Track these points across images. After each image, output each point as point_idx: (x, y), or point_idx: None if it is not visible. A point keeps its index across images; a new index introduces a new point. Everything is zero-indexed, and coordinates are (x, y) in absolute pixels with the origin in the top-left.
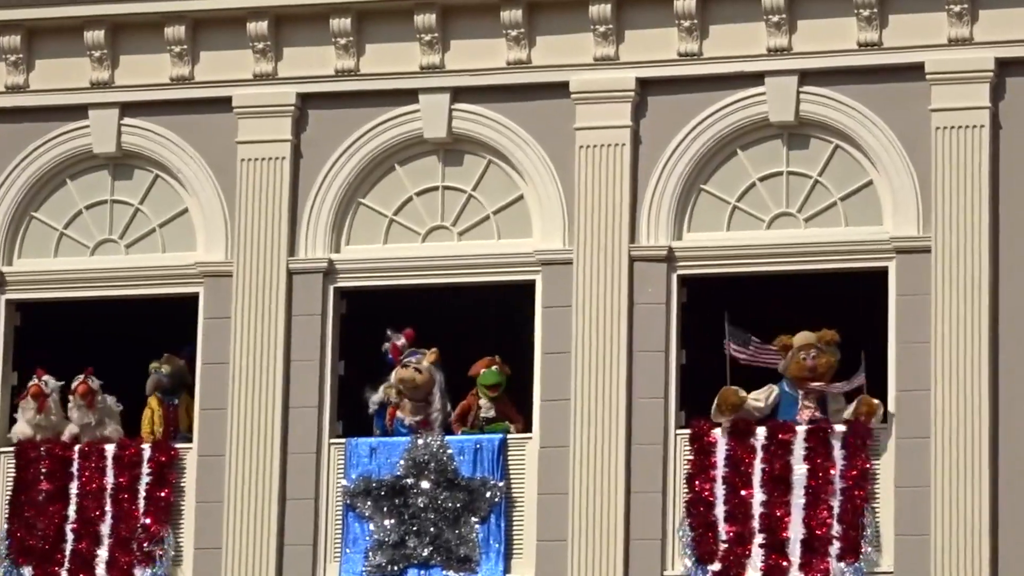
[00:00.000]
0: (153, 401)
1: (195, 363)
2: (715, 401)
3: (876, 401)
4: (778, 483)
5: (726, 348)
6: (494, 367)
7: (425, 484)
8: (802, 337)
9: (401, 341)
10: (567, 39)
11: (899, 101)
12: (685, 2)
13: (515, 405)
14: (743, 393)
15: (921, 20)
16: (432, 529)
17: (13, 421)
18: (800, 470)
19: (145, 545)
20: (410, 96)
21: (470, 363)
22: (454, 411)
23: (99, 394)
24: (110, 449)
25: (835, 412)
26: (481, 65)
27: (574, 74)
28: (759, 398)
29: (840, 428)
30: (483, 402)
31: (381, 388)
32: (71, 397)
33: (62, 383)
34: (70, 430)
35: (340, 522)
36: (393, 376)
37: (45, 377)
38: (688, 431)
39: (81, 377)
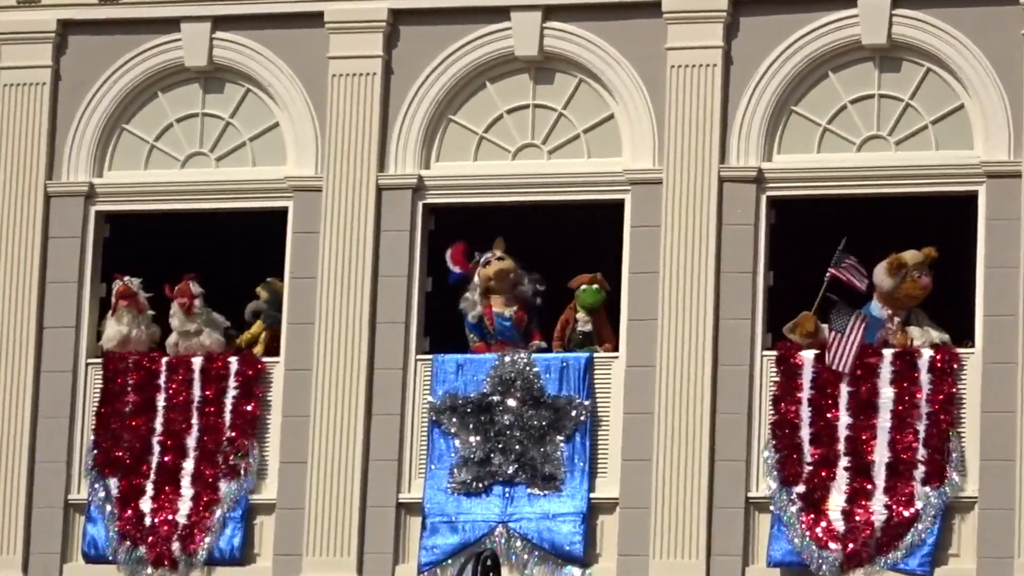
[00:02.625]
0: (258, 326)
1: None
2: (794, 321)
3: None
4: (864, 406)
5: (833, 274)
6: (595, 285)
7: (511, 402)
8: (913, 255)
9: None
10: None
11: (991, 25)
12: None
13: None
14: (821, 324)
15: None
16: (517, 447)
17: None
18: (887, 394)
19: (231, 458)
20: (502, 13)
21: (557, 280)
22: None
23: (199, 298)
24: (197, 362)
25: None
26: None
27: None
28: None
29: (928, 352)
30: (580, 315)
31: (473, 297)
32: (172, 305)
33: (150, 293)
34: (171, 338)
35: (425, 438)
36: (478, 278)
37: (126, 278)
38: (775, 353)
39: (185, 284)
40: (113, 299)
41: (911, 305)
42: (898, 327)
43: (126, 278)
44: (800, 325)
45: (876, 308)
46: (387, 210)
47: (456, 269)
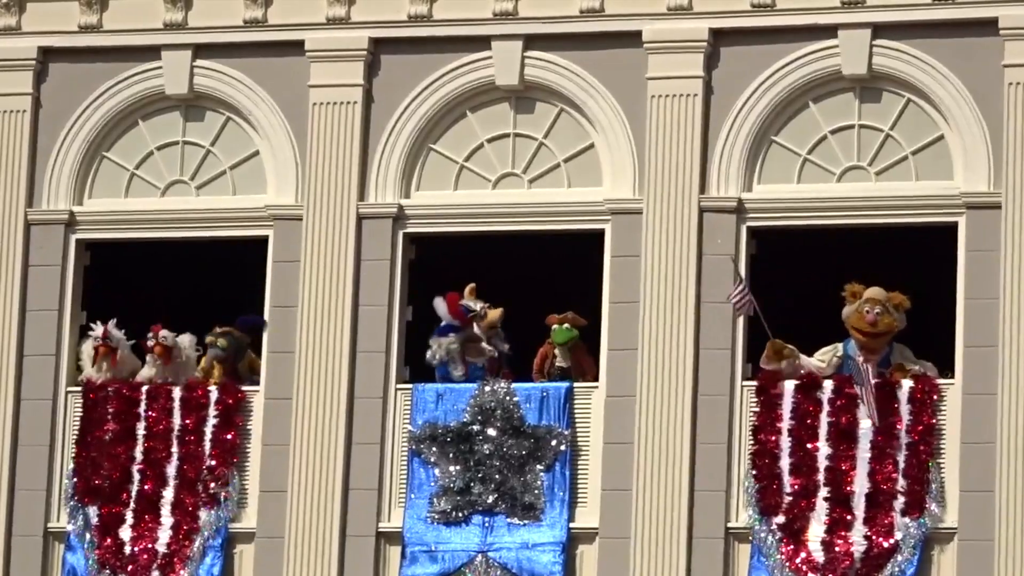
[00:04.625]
0: (216, 369)
1: (255, 332)
2: (764, 353)
3: (910, 367)
4: (844, 437)
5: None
6: (565, 325)
7: (491, 431)
8: (873, 291)
9: (463, 300)
10: None
11: (972, 56)
12: None
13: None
14: (787, 349)
15: None
16: (497, 476)
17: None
18: (866, 424)
19: (211, 487)
20: (482, 43)
21: (537, 311)
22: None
23: (175, 348)
24: (177, 391)
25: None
26: (554, 13)
27: (647, 23)
28: (823, 358)
29: (907, 383)
30: (558, 351)
31: (443, 346)
32: (147, 355)
33: (123, 331)
34: (143, 374)
35: (405, 467)
36: (478, 328)
37: (111, 332)
38: (755, 383)
39: (153, 339)
40: (93, 348)
41: (871, 343)
42: (894, 368)
43: (108, 335)
44: (773, 352)
45: (852, 347)
46: (367, 239)
47: (452, 320)
